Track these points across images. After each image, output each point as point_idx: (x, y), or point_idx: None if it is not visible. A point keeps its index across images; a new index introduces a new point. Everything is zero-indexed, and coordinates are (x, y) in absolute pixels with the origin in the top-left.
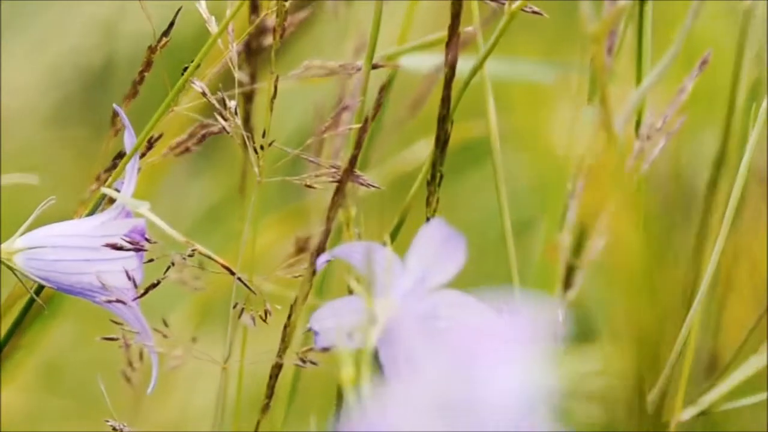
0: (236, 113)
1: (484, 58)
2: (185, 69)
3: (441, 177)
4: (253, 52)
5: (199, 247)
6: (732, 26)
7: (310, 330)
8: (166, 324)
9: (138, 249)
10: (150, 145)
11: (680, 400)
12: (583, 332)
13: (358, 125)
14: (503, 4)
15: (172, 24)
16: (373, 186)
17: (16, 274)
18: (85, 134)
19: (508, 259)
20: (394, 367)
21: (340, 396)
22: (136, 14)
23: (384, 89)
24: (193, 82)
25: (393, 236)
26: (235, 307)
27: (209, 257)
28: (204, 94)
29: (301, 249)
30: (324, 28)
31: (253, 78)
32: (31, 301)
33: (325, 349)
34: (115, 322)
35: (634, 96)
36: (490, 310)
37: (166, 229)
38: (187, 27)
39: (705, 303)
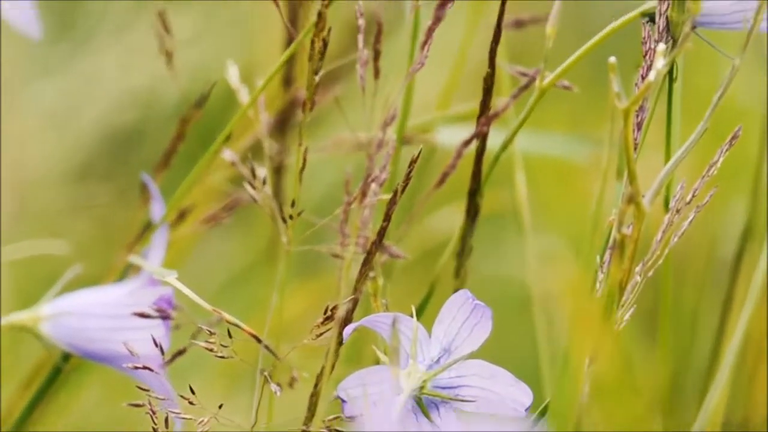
0: (265, 183)
1: (514, 133)
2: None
3: (470, 250)
4: (283, 124)
5: (225, 315)
6: (759, 99)
7: (337, 398)
8: (192, 391)
9: (165, 317)
10: (181, 215)
11: None
12: None
13: (387, 196)
14: (534, 79)
15: (205, 97)
16: (401, 257)
17: (42, 342)
18: (109, 199)
19: (534, 331)
20: None
21: None
22: (162, 79)
23: (414, 162)
24: (224, 153)
25: (421, 307)
26: (261, 374)
27: (236, 325)
28: (234, 164)
29: (328, 318)
30: (355, 99)
31: (283, 148)
32: (58, 368)
33: (352, 418)
34: (141, 389)
35: (663, 172)
36: (513, 380)
37: (193, 298)
38: (217, 92)
39: (733, 373)
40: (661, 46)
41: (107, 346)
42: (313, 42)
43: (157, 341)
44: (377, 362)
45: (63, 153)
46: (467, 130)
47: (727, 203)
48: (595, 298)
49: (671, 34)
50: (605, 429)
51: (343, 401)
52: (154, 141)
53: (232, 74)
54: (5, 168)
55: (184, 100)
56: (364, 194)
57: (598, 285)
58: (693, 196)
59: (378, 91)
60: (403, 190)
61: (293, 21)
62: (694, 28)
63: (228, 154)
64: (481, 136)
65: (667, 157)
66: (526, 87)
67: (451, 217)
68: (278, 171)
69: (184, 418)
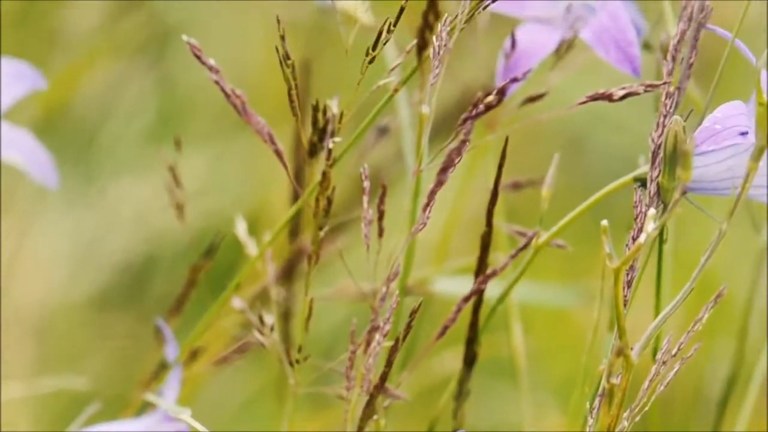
0: (273, 329)
1: (510, 287)
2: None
3: (468, 393)
4: (290, 271)
5: None
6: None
7: None
8: None
9: None
10: (193, 355)
11: None
12: None
13: (390, 343)
14: (531, 240)
15: (214, 248)
16: (402, 398)
17: None
18: (124, 330)
19: None
20: None
21: None
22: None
23: (414, 313)
24: (233, 301)
25: None
26: None
27: None
28: (243, 311)
29: None
30: (358, 247)
31: (290, 294)
32: None
33: None
34: None
35: (651, 327)
36: None
37: None
38: (226, 238)
39: None
40: (652, 211)
41: None
42: (317, 200)
43: None
44: None
45: (79, 283)
46: (465, 279)
47: (713, 348)
48: None
49: (662, 198)
50: None
51: None
52: (167, 272)
53: (240, 228)
54: (27, 300)
55: (194, 244)
56: (368, 343)
57: (588, 430)
58: (678, 349)
59: (381, 247)
60: (404, 339)
61: (299, 174)
62: (684, 193)
63: (237, 302)
64: (479, 291)
65: (657, 312)
66: (523, 248)
67: (450, 360)
68: (285, 316)
69: None
